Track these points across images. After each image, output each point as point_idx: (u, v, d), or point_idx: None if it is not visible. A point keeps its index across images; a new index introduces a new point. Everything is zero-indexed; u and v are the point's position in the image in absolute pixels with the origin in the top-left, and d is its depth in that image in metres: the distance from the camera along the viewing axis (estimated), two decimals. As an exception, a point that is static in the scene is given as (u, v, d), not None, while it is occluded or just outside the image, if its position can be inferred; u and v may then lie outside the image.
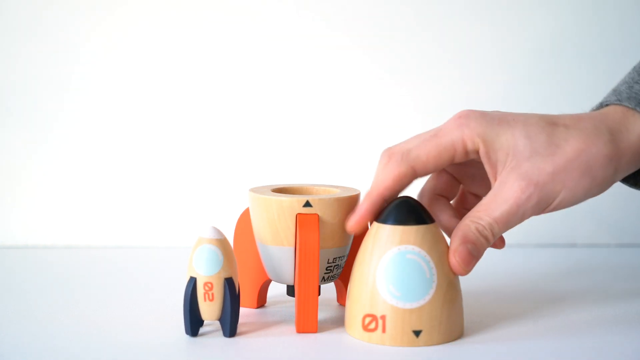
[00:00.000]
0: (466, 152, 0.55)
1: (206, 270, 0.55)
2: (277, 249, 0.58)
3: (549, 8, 0.91)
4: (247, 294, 0.64)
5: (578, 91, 0.91)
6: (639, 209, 0.93)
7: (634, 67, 0.61)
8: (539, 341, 0.56)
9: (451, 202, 0.62)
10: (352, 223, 0.57)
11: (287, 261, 0.59)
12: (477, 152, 0.55)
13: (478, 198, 0.63)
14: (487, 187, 0.57)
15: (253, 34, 0.91)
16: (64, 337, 0.56)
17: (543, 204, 0.55)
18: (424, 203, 0.60)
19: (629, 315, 0.63)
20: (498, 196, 0.54)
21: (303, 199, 0.57)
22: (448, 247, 0.56)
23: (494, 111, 0.57)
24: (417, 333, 0.54)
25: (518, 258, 0.85)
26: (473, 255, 0.55)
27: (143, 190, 0.91)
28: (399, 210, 0.55)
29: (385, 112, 0.92)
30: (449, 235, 0.58)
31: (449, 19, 0.91)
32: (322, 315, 0.62)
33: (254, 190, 0.61)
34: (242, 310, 0.63)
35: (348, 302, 0.57)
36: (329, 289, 0.69)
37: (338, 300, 0.66)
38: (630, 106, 0.56)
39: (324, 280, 0.60)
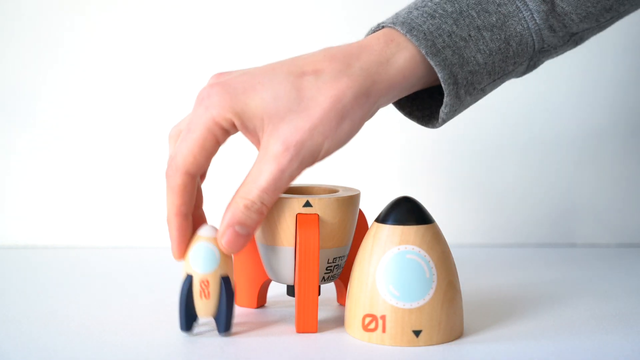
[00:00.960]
0: (226, 131, 0.54)
1: (203, 268, 0.55)
2: (277, 249, 0.58)
3: None
4: (247, 294, 0.64)
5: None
6: (639, 209, 0.93)
7: None
8: (539, 341, 0.56)
9: None
10: (173, 251, 0.55)
11: (287, 261, 0.59)
12: (234, 127, 0.53)
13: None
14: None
15: (252, 34, 0.91)
16: (64, 337, 0.56)
17: (308, 160, 0.53)
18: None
19: (629, 315, 0.63)
20: (261, 164, 0.53)
21: (303, 198, 0.57)
22: (448, 247, 0.56)
23: (236, 73, 0.54)
24: (417, 333, 0.54)
25: (518, 258, 0.85)
26: (242, 235, 0.54)
27: (143, 190, 0.91)
28: (399, 210, 0.55)
29: (385, 113, 0.92)
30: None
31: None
32: (322, 315, 0.62)
33: None
34: (242, 310, 0.63)
35: (348, 302, 0.57)
36: (329, 289, 0.69)
37: (338, 300, 0.66)
38: (401, 31, 0.54)
39: (324, 280, 0.60)
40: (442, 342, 0.55)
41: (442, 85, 0.55)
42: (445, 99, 0.56)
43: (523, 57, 0.57)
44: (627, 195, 0.93)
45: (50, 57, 0.90)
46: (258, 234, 0.60)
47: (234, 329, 0.58)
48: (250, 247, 0.62)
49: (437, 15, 0.55)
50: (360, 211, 0.64)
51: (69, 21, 0.89)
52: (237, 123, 0.53)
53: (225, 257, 0.55)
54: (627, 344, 0.56)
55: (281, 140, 0.52)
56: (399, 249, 0.54)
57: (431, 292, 0.54)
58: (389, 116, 0.92)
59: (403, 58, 0.54)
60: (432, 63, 0.54)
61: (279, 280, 0.60)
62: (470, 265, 0.80)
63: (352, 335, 0.56)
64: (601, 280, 0.75)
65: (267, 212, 0.54)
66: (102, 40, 0.90)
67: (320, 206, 0.57)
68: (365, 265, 0.55)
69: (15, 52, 0.89)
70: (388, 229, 0.55)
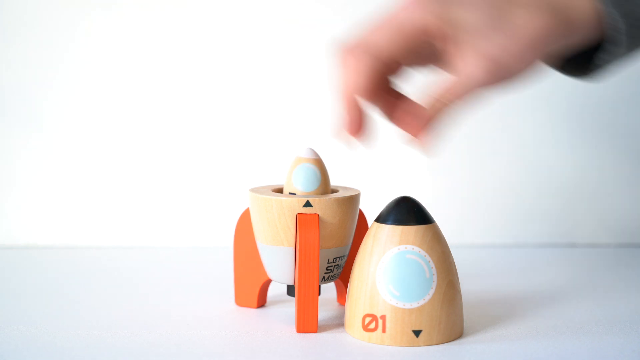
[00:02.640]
0: (424, 33, 0.54)
1: (305, 186, 0.58)
2: (277, 248, 0.58)
3: None
4: (247, 293, 0.64)
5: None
6: (639, 209, 0.93)
7: None
8: (539, 341, 0.56)
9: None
10: (347, 130, 0.54)
11: (287, 261, 0.59)
12: (434, 33, 0.54)
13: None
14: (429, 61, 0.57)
15: (252, 34, 0.91)
16: (63, 337, 0.56)
17: (496, 77, 0.55)
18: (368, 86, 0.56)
19: (629, 315, 0.63)
20: (456, 73, 0.54)
21: (303, 199, 0.57)
22: (448, 247, 0.56)
23: None
24: (417, 333, 0.54)
25: (518, 258, 0.85)
26: (433, 128, 0.54)
27: (143, 190, 0.91)
28: (399, 210, 0.55)
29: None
30: (391, 119, 0.57)
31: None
32: (322, 315, 0.62)
33: (254, 190, 0.61)
34: (242, 310, 0.63)
35: (348, 302, 0.57)
36: (329, 289, 0.69)
37: (338, 300, 0.66)
38: None
39: (324, 280, 0.60)
40: (442, 342, 0.55)
41: (612, 22, 0.56)
42: (612, 40, 0.57)
43: None
44: (627, 195, 0.93)
45: (52, 60, 0.90)
46: (258, 234, 0.60)
47: (234, 328, 0.58)
48: (250, 247, 0.62)
49: None
50: (360, 211, 0.64)
51: (71, 23, 0.89)
52: (439, 28, 0.54)
53: (325, 177, 0.59)
54: (627, 344, 0.56)
55: (479, 51, 0.54)
56: (399, 249, 0.54)
57: (431, 292, 0.54)
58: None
59: (588, 5, 0.56)
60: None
61: (279, 280, 0.60)
62: (470, 266, 0.80)
63: (352, 335, 0.56)
64: (601, 280, 0.75)
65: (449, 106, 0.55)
66: (102, 42, 0.90)
67: (320, 206, 0.57)
68: (365, 265, 0.55)
69: (16, 54, 0.89)
70: (388, 229, 0.55)
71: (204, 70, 0.91)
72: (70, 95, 0.90)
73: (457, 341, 0.56)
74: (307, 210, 0.57)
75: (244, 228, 0.63)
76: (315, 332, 0.57)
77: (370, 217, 0.62)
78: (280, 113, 0.92)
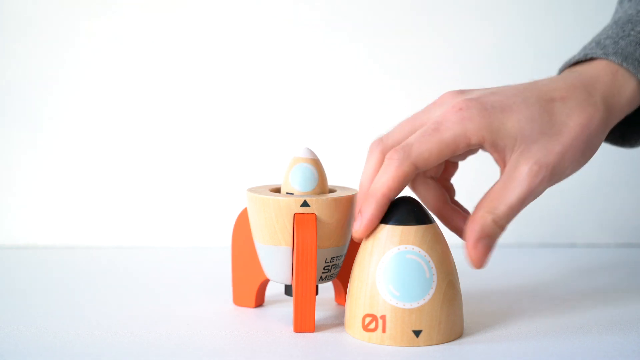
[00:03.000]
0: (469, 145, 0.55)
1: (302, 186, 0.58)
2: (275, 248, 0.58)
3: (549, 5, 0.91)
4: (245, 293, 0.64)
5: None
6: (639, 209, 0.93)
7: (615, 22, 0.61)
8: (539, 341, 0.56)
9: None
10: (360, 229, 0.55)
11: (284, 261, 0.59)
12: (482, 145, 0.55)
13: (456, 165, 0.64)
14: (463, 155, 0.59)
15: (250, 34, 0.91)
16: (64, 337, 0.56)
17: (553, 182, 0.55)
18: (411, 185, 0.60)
19: (629, 315, 0.63)
20: (511, 182, 0.54)
21: (300, 198, 0.57)
22: (448, 247, 0.56)
23: (489, 92, 0.56)
24: (417, 333, 0.54)
25: (518, 258, 0.85)
26: (490, 249, 0.54)
27: (143, 190, 0.91)
28: (399, 210, 0.55)
29: (384, 112, 0.92)
30: (438, 216, 0.59)
31: (445, 14, 0.91)
32: (320, 315, 0.62)
33: (252, 190, 0.60)
34: (240, 310, 0.63)
35: (348, 302, 0.57)
36: (327, 289, 0.69)
37: (336, 300, 0.66)
38: (616, 61, 0.57)
39: (322, 279, 0.60)
40: (442, 342, 0.55)
41: None
42: None
43: None
44: (627, 195, 0.93)
45: (51, 60, 0.90)
46: (256, 234, 0.60)
47: (233, 328, 0.58)
48: (248, 247, 0.62)
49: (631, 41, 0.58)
50: None
51: (71, 24, 0.89)
52: (488, 140, 0.54)
53: (323, 178, 0.59)
54: (627, 344, 0.56)
55: (534, 160, 0.54)
56: (398, 249, 0.54)
57: (431, 292, 0.54)
58: (388, 115, 0.92)
59: (630, 89, 0.57)
60: None
61: (276, 280, 0.60)
62: (470, 265, 0.80)
63: (352, 335, 0.56)
64: (601, 280, 0.75)
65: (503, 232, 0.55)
66: (102, 41, 0.90)
67: (317, 206, 0.57)
68: (365, 265, 0.55)
69: (16, 54, 0.89)
70: (388, 229, 0.55)
71: (203, 71, 0.91)
72: (70, 95, 0.90)
73: (457, 341, 0.56)
74: (305, 210, 0.57)
75: (242, 228, 0.63)
76: (312, 331, 0.57)
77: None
78: (278, 113, 0.91)
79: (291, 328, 0.58)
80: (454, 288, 0.56)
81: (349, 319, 0.56)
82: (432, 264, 0.54)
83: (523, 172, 0.54)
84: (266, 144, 0.91)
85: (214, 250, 0.86)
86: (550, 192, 0.93)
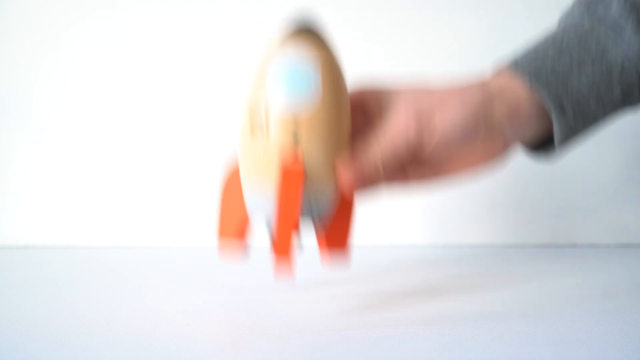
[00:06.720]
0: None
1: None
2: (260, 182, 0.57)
3: None
4: (230, 227, 0.62)
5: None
6: (639, 209, 0.93)
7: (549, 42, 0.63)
8: (538, 341, 0.56)
9: None
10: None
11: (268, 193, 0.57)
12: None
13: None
14: None
15: (249, 33, 0.91)
16: (64, 337, 0.56)
17: (423, 125, 0.58)
18: None
19: (629, 315, 0.63)
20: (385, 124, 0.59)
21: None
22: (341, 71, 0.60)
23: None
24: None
25: (518, 258, 0.85)
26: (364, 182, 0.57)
27: (142, 190, 0.91)
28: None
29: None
30: None
31: (444, 13, 0.91)
32: (317, 310, 0.62)
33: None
34: (242, 310, 0.63)
35: None
36: (322, 286, 0.69)
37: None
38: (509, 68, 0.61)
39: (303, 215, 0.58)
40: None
41: (549, 109, 0.60)
42: (554, 125, 0.60)
43: (629, 84, 0.61)
44: (627, 195, 0.93)
45: (51, 57, 0.90)
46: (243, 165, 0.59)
47: (233, 328, 0.58)
48: (237, 187, 0.61)
49: (539, 57, 0.62)
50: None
51: (71, 24, 0.89)
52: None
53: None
54: (627, 344, 0.56)
55: (404, 107, 0.59)
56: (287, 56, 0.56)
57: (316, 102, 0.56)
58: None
59: (517, 89, 0.60)
60: (537, 88, 0.59)
61: (259, 211, 0.59)
62: (470, 265, 0.80)
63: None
64: (601, 280, 0.75)
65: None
66: (101, 41, 0.90)
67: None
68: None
69: (14, 51, 0.89)
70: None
71: (202, 71, 0.91)
72: (69, 95, 0.90)
73: (457, 341, 0.56)
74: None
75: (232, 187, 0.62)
76: (288, 259, 0.56)
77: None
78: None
79: (293, 332, 0.58)
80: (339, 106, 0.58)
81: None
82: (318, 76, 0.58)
83: (395, 116, 0.59)
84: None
85: (214, 250, 0.85)
86: (550, 192, 0.93)
